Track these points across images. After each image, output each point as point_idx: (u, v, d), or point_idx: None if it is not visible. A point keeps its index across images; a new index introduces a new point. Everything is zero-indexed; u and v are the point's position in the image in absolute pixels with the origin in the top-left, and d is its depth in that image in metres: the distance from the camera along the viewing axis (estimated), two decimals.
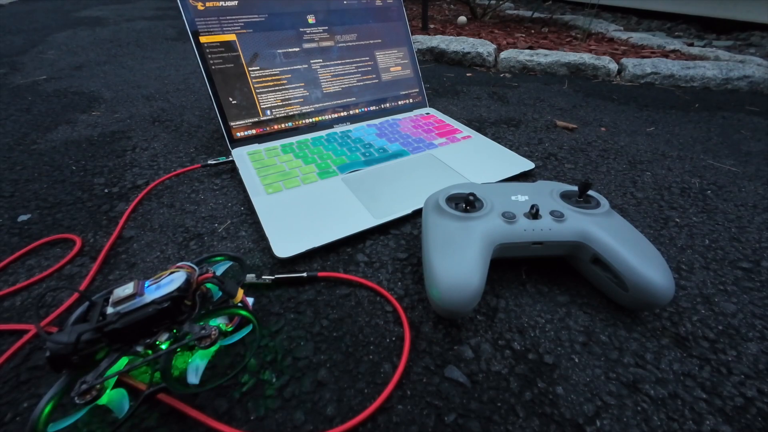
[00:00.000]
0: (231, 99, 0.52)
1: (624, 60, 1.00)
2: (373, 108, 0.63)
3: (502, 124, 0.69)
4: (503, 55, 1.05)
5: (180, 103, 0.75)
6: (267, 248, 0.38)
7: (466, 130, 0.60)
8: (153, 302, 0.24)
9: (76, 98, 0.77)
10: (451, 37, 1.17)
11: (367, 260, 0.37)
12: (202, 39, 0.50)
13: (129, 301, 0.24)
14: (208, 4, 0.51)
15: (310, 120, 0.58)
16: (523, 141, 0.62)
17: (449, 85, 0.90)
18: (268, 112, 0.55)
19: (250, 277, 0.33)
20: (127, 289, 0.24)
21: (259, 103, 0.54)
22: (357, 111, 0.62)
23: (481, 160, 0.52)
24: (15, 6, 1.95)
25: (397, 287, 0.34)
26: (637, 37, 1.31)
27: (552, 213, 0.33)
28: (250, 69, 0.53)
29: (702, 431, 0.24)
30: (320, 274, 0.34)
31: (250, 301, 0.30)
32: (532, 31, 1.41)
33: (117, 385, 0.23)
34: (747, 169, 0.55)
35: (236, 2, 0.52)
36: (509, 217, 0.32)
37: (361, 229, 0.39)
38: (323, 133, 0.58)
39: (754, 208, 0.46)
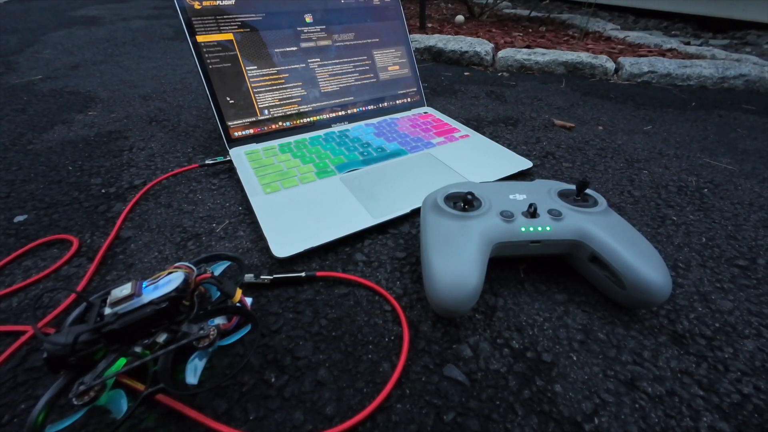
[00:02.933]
0: (228, 98, 0.52)
1: (621, 59, 1.00)
2: (371, 107, 0.63)
3: (499, 123, 0.69)
4: (501, 54, 1.05)
5: (177, 103, 0.75)
6: (265, 248, 0.38)
7: (464, 129, 0.60)
8: (151, 303, 0.24)
9: (72, 98, 0.77)
10: (449, 36, 1.17)
11: (365, 260, 0.37)
12: (199, 38, 0.50)
13: (127, 301, 0.24)
14: (204, 3, 0.50)
15: (308, 119, 0.58)
16: (520, 140, 0.62)
17: (447, 84, 0.90)
18: (266, 111, 0.55)
19: (249, 277, 0.33)
20: (125, 289, 0.24)
21: (256, 102, 0.54)
22: (355, 110, 0.62)
23: (479, 159, 0.52)
24: (10, 5, 1.93)
25: (395, 286, 0.34)
26: (634, 35, 1.31)
27: (550, 212, 0.33)
28: (247, 68, 0.53)
29: (699, 428, 0.24)
30: (319, 273, 0.34)
31: (248, 301, 0.30)
32: (530, 30, 1.41)
33: (115, 385, 0.23)
34: (743, 168, 0.56)
35: (233, 1, 0.52)
36: (507, 216, 0.32)
37: (359, 228, 0.39)
38: (321, 132, 0.58)
39: (750, 206, 0.47)
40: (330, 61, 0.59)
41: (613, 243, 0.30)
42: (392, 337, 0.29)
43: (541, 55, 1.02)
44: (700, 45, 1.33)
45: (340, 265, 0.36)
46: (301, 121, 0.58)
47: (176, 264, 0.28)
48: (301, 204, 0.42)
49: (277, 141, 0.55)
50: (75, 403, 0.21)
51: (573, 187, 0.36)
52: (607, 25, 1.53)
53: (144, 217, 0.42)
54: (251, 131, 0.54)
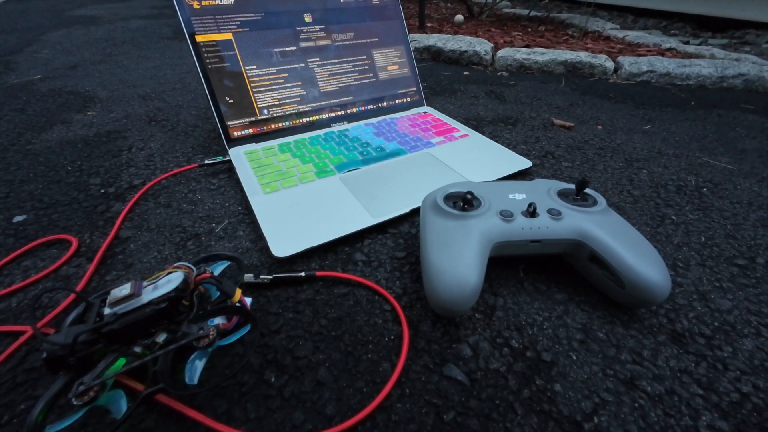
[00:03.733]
0: (228, 98, 0.52)
1: (620, 58, 1.00)
2: (370, 107, 0.63)
3: (499, 123, 0.69)
4: (500, 53, 1.05)
5: (176, 103, 0.75)
6: (265, 248, 0.38)
7: (463, 129, 0.60)
8: (150, 303, 0.24)
9: (71, 98, 0.77)
10: (448, 35, 1.17)
11: (365, 259, 0.37)
12: (198, 38, 0.50)
13: (126, 301, 0.24)
14: (204, 3, 0.50)
15: (308, 119, 0.58)
16: (520, 139, 0.62)
17: (446, 84, 0.90)
18: (265, 111, 0.55)
19: (248, 276, 0.33)
20: (125, 289, 0.24)
21: (256, 102, 0.54)
22: (354, 110, 0.62)
23: (478, 159, 0.52)
24: (8, 5, 1.93)
25: (395, 286, 0.34)
26: (633, 35, 1.31)
27: (549, 211, 0.33)
28: (246, 68, 0.53)
29: (698, 427, 0.24)
30: (318, 273, 0.34)
31: (248, 300, 0.30)
32: (529, 30, 1.42)
33: (115, 386, 0.23)
34: (742, 167, 0.56)
35: (232, 1, 0.52)
36: (507, 215, 0.32)
37: (359, 228, 0.39)
38: (321, 132, 0.58)
39: (749, 205, 0.47)
40: (329, 61, 0.59)
41: (612, 242, 0.30)
42: (392, 337, 0.29)
43: (541, 55, 1.02)
44: (699, 44, 1.33)
45: (340, 265, 0.36)
46: (301, 120, 0.58)
47: (176, 264, 0.28)
48: (300, 204, 0.42)
49: (277, 141, 0.55)
50: (74, 403, 0.21)
51: (572, 186, 0.36)
52: (606, 24, 1.53)
53: (143, 217, 0.42)
54: (250, 131, 0.54)
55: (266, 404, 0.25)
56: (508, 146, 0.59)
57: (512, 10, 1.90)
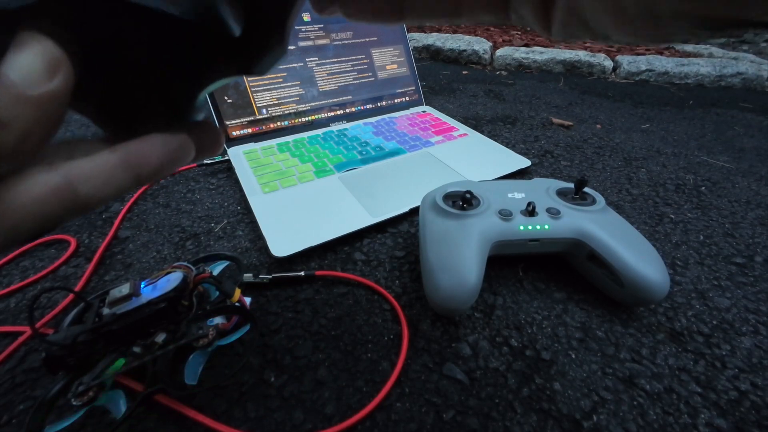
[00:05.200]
0: (226, 97, 0.52)
1: (619, 57, 1.00)
2: (369, 106, 0.63)
3: (498, 122, 0.69)
4: (499, 52, 1.05)
5: None
6: (264, 248, 0.38)
7: (462, 128, 0.60)
8: (149, 303, 0.24)
9: None
10: (447, 34, 1.17)
11: (364, 258, 0.37)
12: None
13: (125, 301, 0.24)
14: None
15: (307, 118, 0.58)
16: (519, 138, 0.62)
17: (445, 83, 0.90)
18: (264, 110, 0.55)
19: (248, 276, 0.33)
20: (124, 289, 0.24)
21: (254, 101, 0.54)
22: (353, 109, 0.62)
23: (477, 158, 0.52)
24: None
25: (394, 285, 0.34)
26: None
27: (548, 210, 0.33)
28: None
29: (697, 425, 0.24)
30: (318, 272, 0.34)
31: (247, 300, 0.30)
32: (528, 29, 1.41)
33: (114, 386, 0.23)
34: (740, 166, 0.56)
35: None
36: (506, 214, 0.32)
37: (358, 227, 0.39)
38: (319, 131, 0.57)
39: (748, 203, 0.47)
40: (328, 60, 0.59)
41: (611, 241, 0.31)
42: (391, 336, 0.29)
43: (539, 54, 1.02)
44: (697, 43, 1.33)
45: (339, 265, 0.36)
46: (300, 120, 0.58)
47: (175, 264, 0.28)
48: (299, 203, 0.42)
49: (276, 140, 0.55)
50: (74, 403, 0.21)
51: (571, 185, 0.37)
52: None
53: (142, 217, 0.42)
54: (249, 130, 0.54)
55: (266, 404, 0.25)
56: (507, 145, 0.59)
57: None
